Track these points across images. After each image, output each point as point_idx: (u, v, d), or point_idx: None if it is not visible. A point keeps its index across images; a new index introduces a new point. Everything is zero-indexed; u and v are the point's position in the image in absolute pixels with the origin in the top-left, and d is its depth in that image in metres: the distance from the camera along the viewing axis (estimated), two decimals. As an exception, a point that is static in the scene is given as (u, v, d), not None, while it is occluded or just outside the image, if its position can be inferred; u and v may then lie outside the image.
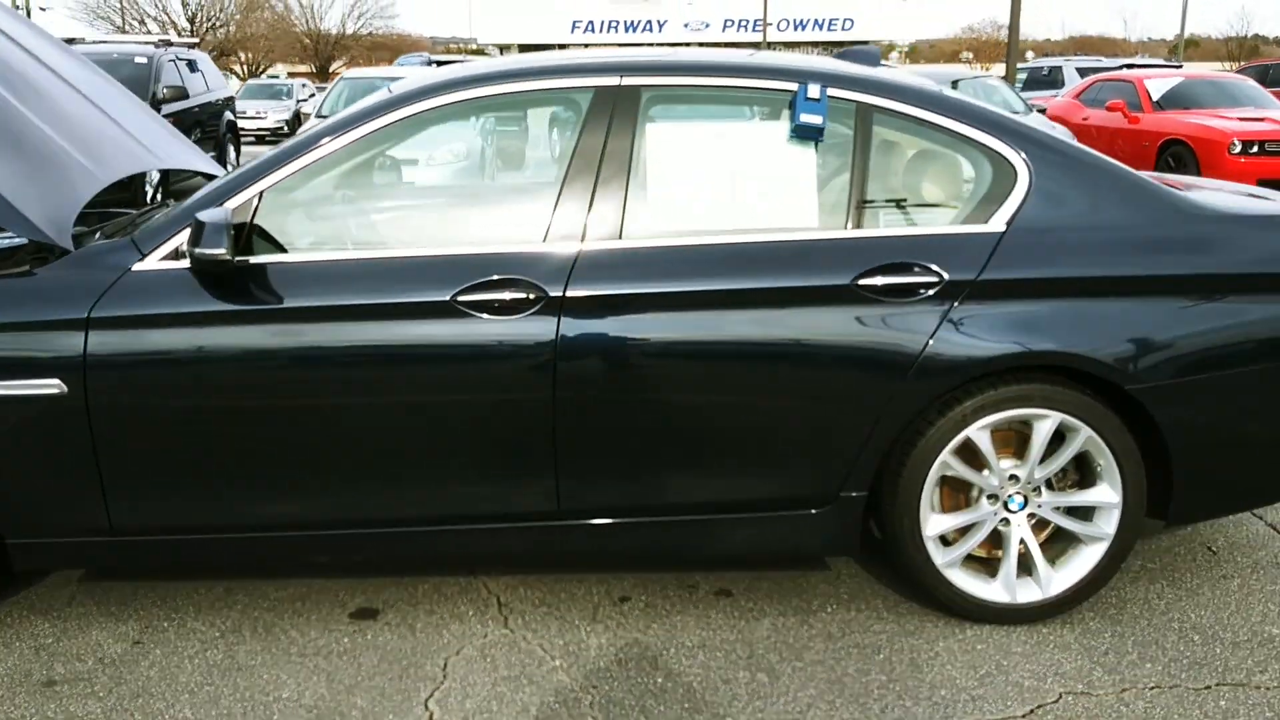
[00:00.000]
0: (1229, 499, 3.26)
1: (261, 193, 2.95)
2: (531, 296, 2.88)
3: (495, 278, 2.89)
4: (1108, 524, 3.08)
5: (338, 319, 2.87)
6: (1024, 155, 3.06)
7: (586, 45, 44.34)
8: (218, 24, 47.39)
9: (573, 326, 2.88)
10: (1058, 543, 3.18)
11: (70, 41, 12.53)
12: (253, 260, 2.90)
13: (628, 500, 3.01)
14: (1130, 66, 17.18)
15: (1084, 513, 3.12)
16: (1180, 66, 19.87)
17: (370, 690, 2.82)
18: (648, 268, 2.93)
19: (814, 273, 2.93)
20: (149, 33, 41.15)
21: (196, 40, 14.64)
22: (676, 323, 2.91)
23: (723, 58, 3.24)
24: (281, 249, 2.96)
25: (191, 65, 12.93)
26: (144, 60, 11.78)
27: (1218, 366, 3.02)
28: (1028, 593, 3.12)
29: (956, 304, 2.93)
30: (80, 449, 2.88)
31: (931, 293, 2.93)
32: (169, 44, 12.85)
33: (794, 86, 3.05)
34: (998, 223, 3.01)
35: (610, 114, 3.03)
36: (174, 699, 2.78)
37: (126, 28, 43.30)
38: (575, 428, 2.93)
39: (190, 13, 46.25)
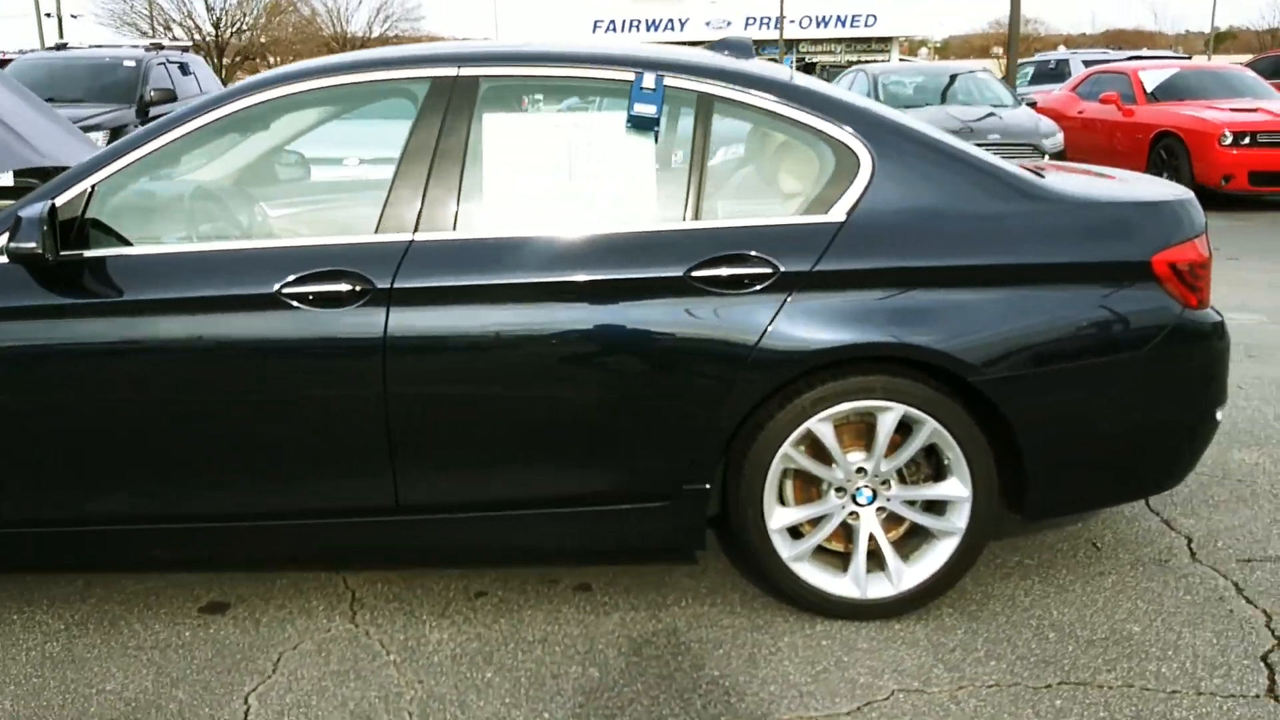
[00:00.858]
0: (1087, 495, 3.18)
1: (93, 187, 2.94)
2: (359, 288, 2.86)
3: (322, 270, 2.87)
4: (959, 519, 3.02)
5: (162, 312, 2.86)
6: (868, 144, 3.00)
7: (607, 45, 44.06)
8: (242, 28, 47.85)
9: (402, 318, 2.86)
10: (914, 537, 3.12)
11: (60, 48, 12.70)
12: (83, 254, 2.89)
13: (468, 495, 2.99)
14: (1136, 59, 16.88)
15: (938, 507, 3.05)
16: (1189, 58, 19.51)
17: (195, 684, 2.81)
18: (481, 260, 2.90)
19: (646, 265, 2.89)
20: (174, 39, 41.68)
21: (189, 45, 14.73)
22: (509, 315, 2.88)
23: (564, 47, 3.20)
24: (116, 243, 2.96)
25: (184, 68, 13.04)
26: (132, 64, 11.91)
27: (1066, 358, 2.95)
28: (878, 588, 3.06)
29: (792, 295, 2.88)
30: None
31: (766, 284, 2.88)
32: (160, 47, 12.98)
33: (631, 76, 3.01)
34: (838, 213, 2.95)
35: (446, 105, 3.00)
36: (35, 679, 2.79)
37: (153, 33, 43.77)
38: (409, 422, 2.90)
39: (215, 18, 46.73)
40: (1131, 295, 2.98)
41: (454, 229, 2.93)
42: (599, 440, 2.94)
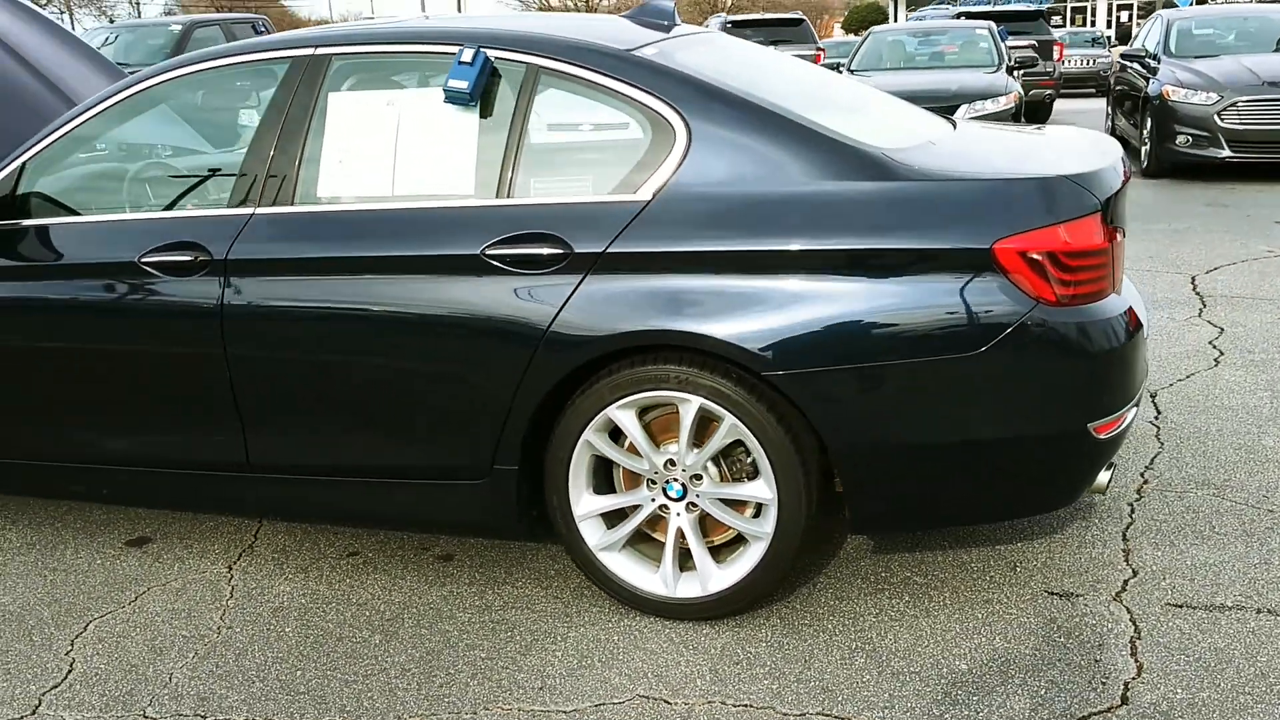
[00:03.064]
0: (924, 511, 2.82)
1: (24, 163, 3.36)
2: (200, 259, 3.07)
3: (173, 240, 3.12)
4: (767, 523, 2.79)
5: (53, 276, 3.23)
6: (686, 118, 2.81)
7: None
8: None
9: (235, 287, 3.05)
10: (741, 540, 2.92)
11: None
12: (17, 223, 3.32)
13: (304, 458, 3.13)
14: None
15: (757, 508, 2.84)
16: None
17: (64, 605, 3.18)
18: (305, 232, 3.02)
19: (447, 242, 2.89)
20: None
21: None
22: (326, 288, 2.98)
23: (412, 24, 3.22)
24: (38, 213, 3.35)
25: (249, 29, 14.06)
26: (178, 28, 13.07)
27: (882, 356, 2.63)
28: (688, 588, 2.90)
29: (586, 277, 2.77)
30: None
31: (559, 266, 2.79)
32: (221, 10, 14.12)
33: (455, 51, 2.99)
34: (645, 192, 2.79)
35: (297, 83, 3.14)
36: (-68, 593, 3.30)
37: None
38: (250, 385, 3.09)
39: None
40: (967, 287, 2.60)
41: (292, 202, 3.07)
42: (411, 414, 2.98)
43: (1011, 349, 2.60)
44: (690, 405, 2.76)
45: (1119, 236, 2.82)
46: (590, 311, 2.77)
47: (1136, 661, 2.65)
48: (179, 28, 13.72)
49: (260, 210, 3.08)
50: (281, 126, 3.11)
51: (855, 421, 2.67)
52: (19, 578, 3.35)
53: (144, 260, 3.12)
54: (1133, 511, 3.42)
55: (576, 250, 2.78)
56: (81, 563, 3.43)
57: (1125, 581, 3.02)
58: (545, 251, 2.80)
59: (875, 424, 2.67)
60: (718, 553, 2.94)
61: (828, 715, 2.52)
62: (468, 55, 2.95)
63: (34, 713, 2.67)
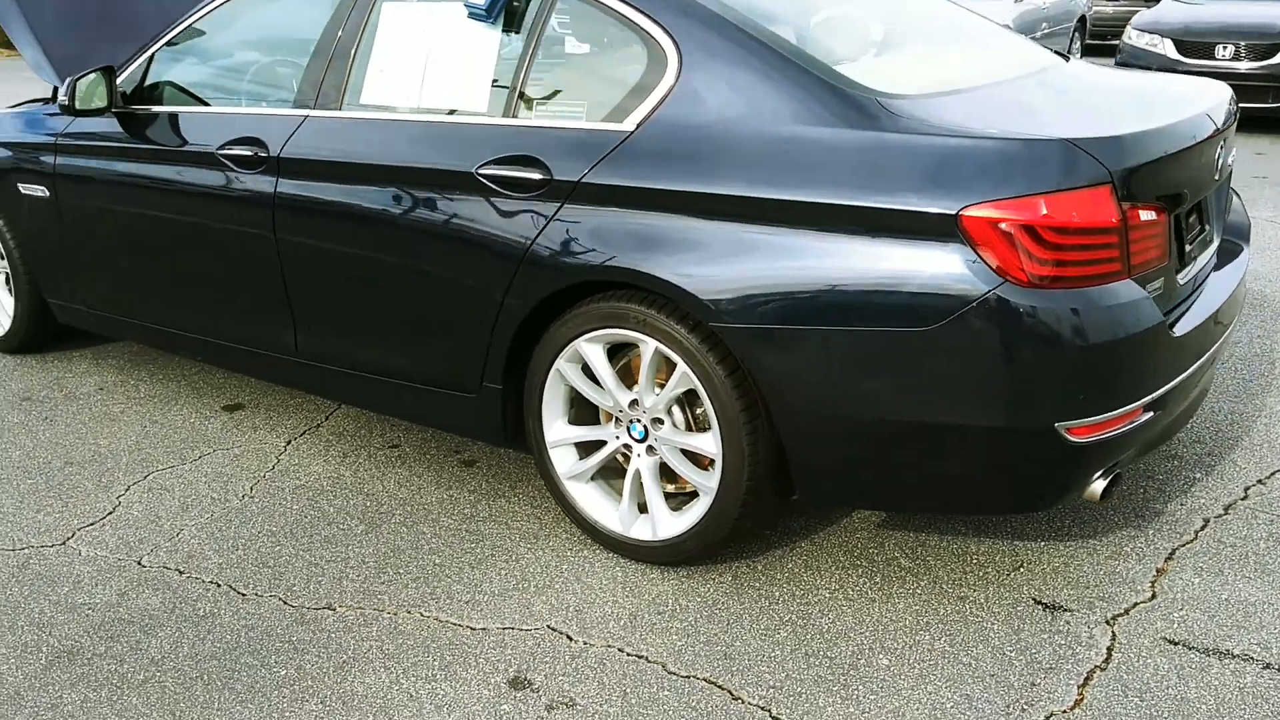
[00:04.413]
0: (863, 490, 2.59)
1: (151, 56, 3.71)
2: (260, 154, 3.30)
3: (243, 135, 3.36)
4: (713, 478, 2.69)
5: (158, 160, 3.57)
6: (680, 46, 2.68)
7: None
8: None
9: (283, 185, 3.25)
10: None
11: None
12: (131, 109, 3.69)
13: (333, 350, 3.33)
14: None
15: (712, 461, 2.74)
16: None
17: (166, 448, 3.59)
18: (339, 136, 3.16)
19: (449, 157, 2.93)
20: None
21: None
22: (347, 191, 3.12)
23: None
24: (155, 101, 3.70)
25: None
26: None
27: (833, 319, 2.42)
28: (641, 529, 2.86)
29: (564, 205, 2.74)
30: (56, 236, 3.99)
31: (539, 191, 2.77)
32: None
33: (487, -34, 2.98)
34: (631, 122, 2.70)
35: (355, -7, 3.25)
36: (75, 424, 3.82)
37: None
38: (296, 278, 3.31)
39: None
40: (929, 256, 2.34)
41: (340, 107, 3.21)
42: (414, 324, 3.09)
43: (968, 329, 2.32)
44: (648, 347, 2.69)
45: (1160, 214, 2.43)
46: (561, 241, 2.74)
47: (1079, 694, 2.36)
48: None
49: (312, 113, 3.24)
50: (341, 32, 3.25)
51: (799, 385, 2.50)
52: (127, 424, 3.81)
53: (220, 151, 3.38)
54: (1202, 529, 2.99)
55: (556, 177, 2.74)
56: (178, 419, 3.84)
57: (1133, 605, 2.66)
58: (528, 175, 2.79)
59: (820, 390, 2.49)
60: (678, 500, 2.87)
61: (711, 683, 2.43)
62: (478, -27, 2.94)
63: (63, 543, 3.06)
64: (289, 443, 3.65)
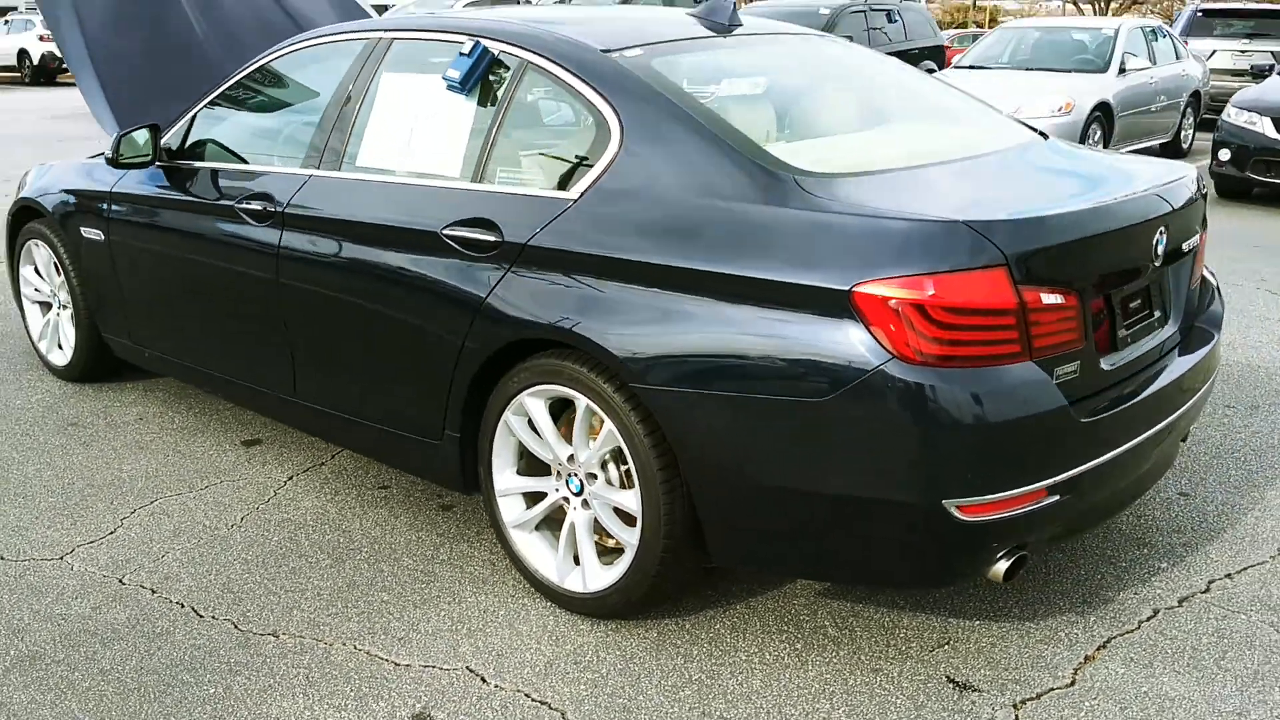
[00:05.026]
0: (765, 555, 2.64)
1: (193, 116, 4.04)
2: (269, 209, 3.56)
3: (258, 191, 3.63)
4: (635, 533, 2.78)
5: (190, 210, 3.88)
6: (622, 121, 2.82)
7: None
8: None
9: (286, 238, 3.50)
10: (636, 546, 2.92)
11: None
12: (176, 163, 4.02)
13: (325, 394, 3.55)
14: None
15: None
16: None
17: (153, 478, 3.87)
18: (331, 195, 3.40)
19: (421, 218, 3.12)
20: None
21: None
22: (335, 246, 3.34)
23: (456, 15, 3.42)
24: (190, 157, 4.02)
25: (890, 15, 13.73)
26: (827, 12, 12.95)
27: (737, 386, 2.51)
28: (574, 581, 2.96)
29: (512, 267, 2.90)
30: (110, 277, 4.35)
31: (492, 253, 2.94)
32: (866, -4, 13.81)
33: (466, 42, 3.19)
34: (575, 190, 2.85)
35: (364, 62, 3.50)
36: (107, 449, 4.13)
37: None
38: (294, 323, 3.55)
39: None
40: (825, 330, 2.41)
41: (339, 168, 3.45)
42: (390, 370, 3.28)
43: (859, 403, 2.38)
44: (580, 404, 2.81)
45: (1070, 298, 2.45)
46: (508, 300, 2.89)
47: (959, 774, 2.36)
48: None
49: (316, 173, 3.49)
50: (346, 99, 3.50)
51: (707, 448, 2.59)
52: (152, 453, 4.10)
53: (239, 204, 3.66)
54: (1149, 619, 2.93)
55: (506, 239, 2.91)
56: (199, 450, 4.12)
57: (1047, 691, 2.64)
58: (484, 237, 2.96)
59: (726, 454, 2.57)
60: (614, 555, 2.96)
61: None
62: (467, 47, 3.15)
63: (60, 558, 3.32)
64: (290, 478, 3.87)
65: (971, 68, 11.38)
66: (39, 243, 4.70)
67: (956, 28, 41.41)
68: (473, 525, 3.49)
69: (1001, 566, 2.51)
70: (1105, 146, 10.67)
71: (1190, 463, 3.93)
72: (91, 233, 4.36)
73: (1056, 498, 2.49)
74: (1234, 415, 4.39)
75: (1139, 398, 2.68)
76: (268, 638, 2.90)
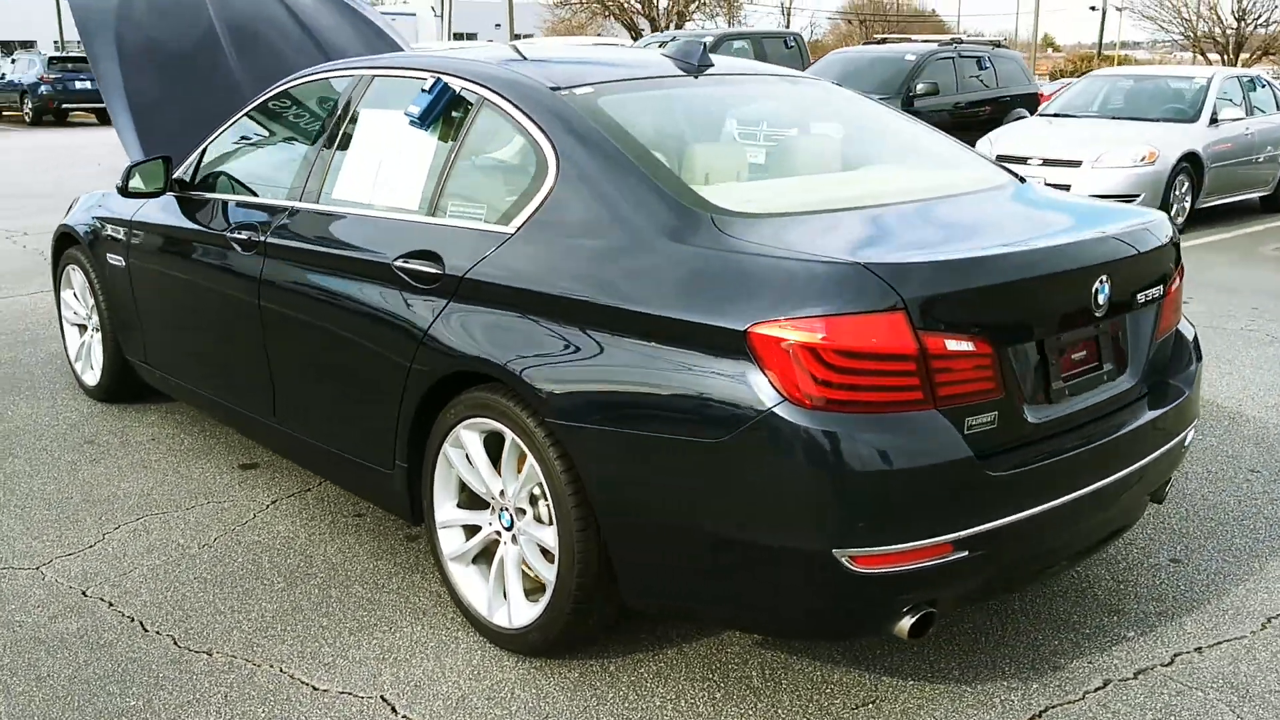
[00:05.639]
0: (671, 596, 2.58)
1: (205, 148, 4.21)
2: (254, 239, 3.67)
3: (246, 221, 3.75)
4: (553, 570, 2.76)
5: (190, 239, 4.03)
6: (560, 158, 2.84)
7: None
8: (1267, 22, 44.43)
9: (267, 266, 3.61)
10: (562, 583, 2.89)
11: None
12: (188, 193, 4.18)
13: (301, 421, 3.62)
14: None
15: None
16: None
17: (144, 497, 3.99)
18: (304, 227, 3.50)
19: (377, 250, 3.19)
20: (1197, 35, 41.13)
21: (997, 41, 14.79)
22: (308, 277, 3.42)
23: (430, 54, 3.48)
24: (202, 188, 4.17)
25: (980, 62, 13.53)
26: (912, 59, 12.84)
27: (641, 425, 2.49)
28: (500, 615, 2.95)
29: (452, 299, 2.94)
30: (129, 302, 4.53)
31: (434, 285, 2.98)
32: (959, 42, 13.61)
33: (428, 79, 3.25)
34: (513, 225, 2.88)
35: (347, 98, 3.60)
36: (113, 467, 4.29)
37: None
38: (273, 349, 3.65)
39: (1240, 10, 44.18)
40: (722, 370, 2.38)
41: (317, 201, 3.55)
42: (350, 398, 3.33)
43: (752, 446, 2.33)
44: (508, 438, 2.82)
45: (983, 346, 2.37)
46: (445, 332, 2.92)
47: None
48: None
49: (298, 204, 3.60)
50: (326, 133, 3.60)
51: (614, 486, 2.56)
52: (152, 472, 4.24)
53: (229, 234, 3.79)
54: (1097, 690, 2.79)
55: (447, 272, 2.94)
56: (197, 472, 4.24)
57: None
58: (427, 269, 3.00)
59: (631, 493, 2.54)
60: (538, 591, 2.94)
61: (495, 770, 2.48)
62: (428, 83, 3.21)
63: (37, 568, 3.45)
64: (274, 502, 3.96)
65: (1056, 115, 11.12)
66: (75, 268, 4.94)
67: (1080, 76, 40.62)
68: (430, 557, 3.51)
69: (906, 623, 2.42)
70: (1194, 199, 10.28)
71: (1192, 527, 3.73)
72: (114, 259, 4.55)
73: (965, 554, 2.39)
74: (1255, 480, 4.15)
75: (1074, 453, 2.56)
76: (201, 655, 2.96)
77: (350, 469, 3.43)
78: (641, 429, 2.48)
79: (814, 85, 3.66)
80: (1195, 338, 3.17)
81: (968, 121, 12.86)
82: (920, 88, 12.52)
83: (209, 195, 4.09)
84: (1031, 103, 13.92)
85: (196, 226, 4.03)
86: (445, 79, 3.22)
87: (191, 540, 3.65)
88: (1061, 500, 2.53)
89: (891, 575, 2.34)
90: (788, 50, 16.04)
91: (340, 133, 3.56)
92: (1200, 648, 2.99)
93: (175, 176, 4.21)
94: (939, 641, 3.01)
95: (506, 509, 2.92)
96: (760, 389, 2.31)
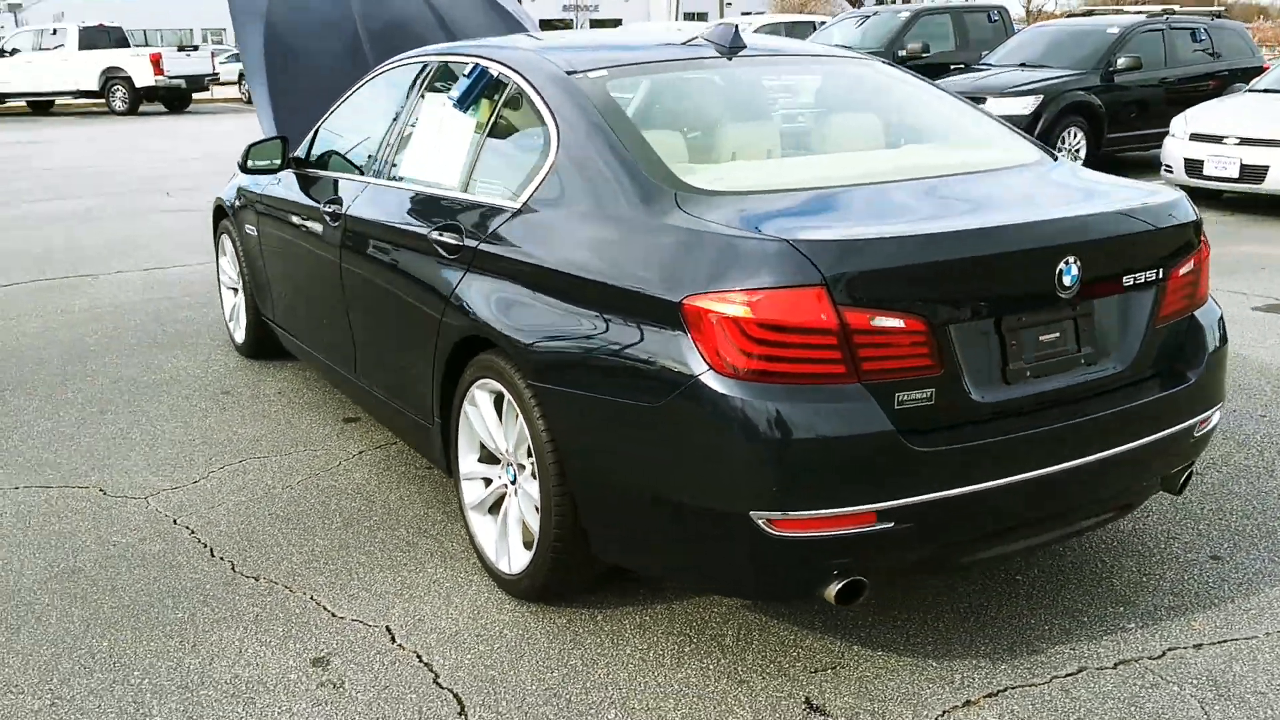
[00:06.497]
0: (627, 554, 2.73)
1: (317, 129, 4.62)
2: (339, 212, 4.04)
3: (335, 196, 4.13)
4: (538, 522, 2.97)
5: (296, 210, 4.45)
6: (560, 136, 3.03)
7: None
8: None
9: (346, 236, 3.97)
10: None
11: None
12: (305, 170, 4.61)
13: (374, 377, 3.97)
14: None
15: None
16: None
17: (255, 443, 4.46)
18: (373, 201, 3.83)
19: (419, 222, 3.48)
20: None
21: (1218, 10, 13.67)
22: (376, 246, 3.76)
23: (487, 41, 3.71)
24: (312, 165, 4.59)
25: (1194, 34, 12.68)
26: (1115, 31, 12.17)
27: (597, 390, 2.67)
28: (504, 563, 3.19)
29: (469, 269, 3.19)
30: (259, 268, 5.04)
31: (457, 255, 3.24)
32: (1172, 13, 12.75)
33: (469, 63, 3.50)
34: (520, 200, 3.09)
35: (415, 83, 3.90)
36: (237, 416, 4.81)
37: None
38: (353, 311, 4.02)
39: None
40: (660, 339, 2.53)
41: (389, 177, 3.87)
42: (405, 358, 3.65)
43: (681, 411, 2.47)
44: (506, 398, 3.05)
45: (915, 323, 2.41)
46: (463, 298, 3.18)
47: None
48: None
49: (372, 181, 3.94)
50: (397, 115, 3.92)
51: (578, 446, 2.75)
52: (268, 421, 4.72)
53: (323, 207, 4.18)
54: (1071, 675, 2.76)
55: (465, 243, 3.19)
56: (305, 422, 4.69)
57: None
58: (452, 240, 3.26)
59: (592, 453, 2.72)
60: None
61: (456, 697, 2.73)
62: (468, 68, 3.46)
63: (145, 498, 3.95)
64: (360, 453, 4.34)
65: (1266, 91, 10.34)
66: (226, 236, 5.51)
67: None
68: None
69: (834, 588, 2.50)
70: None
71: (1250, 526, 3.56)
72: (250, 228, 5.07)
73: (890, 525, 2.44)
74: (1349, 482, 3.89)
75: (1028, 434, 2.55)
76: (249, 580, 3.34)
77: (408, 424, 3.74)
78: (598, 393, 2.66)
79: (855, 64, 3.69)
80: (1221, 321, 3.04)
81: (1183, 98, 12.07)
82: (1122, 62, 11.86)
83: (314, 171, 4.50)
84: (1255, 77, 12.92)
85: (303, 200, 4.45)
86: (485, 64, 3.46)
87: (277, 482, 4.07)
88: (1009, 480, 2.53)
89: (811, 540, 2.42)
90: (990, 24, 15.45)
91: (408, 115, 3.87)
92: (1200, 644, 2.90)
93: (293, 155, 4.65)
94: (924, 616, 3.04)
95: (512, 464, 3.15)
96: (690, 358, 2.44)
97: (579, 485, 2.78)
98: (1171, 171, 9.99)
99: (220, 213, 5.59)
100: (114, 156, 15.65)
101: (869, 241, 2.42)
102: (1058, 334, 2.68)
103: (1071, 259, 2.61)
